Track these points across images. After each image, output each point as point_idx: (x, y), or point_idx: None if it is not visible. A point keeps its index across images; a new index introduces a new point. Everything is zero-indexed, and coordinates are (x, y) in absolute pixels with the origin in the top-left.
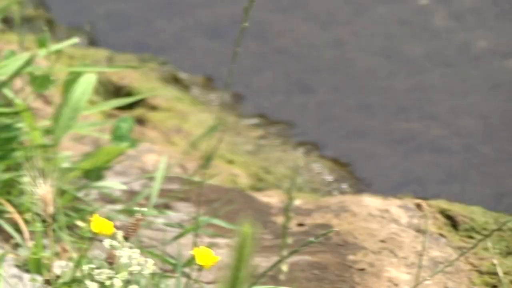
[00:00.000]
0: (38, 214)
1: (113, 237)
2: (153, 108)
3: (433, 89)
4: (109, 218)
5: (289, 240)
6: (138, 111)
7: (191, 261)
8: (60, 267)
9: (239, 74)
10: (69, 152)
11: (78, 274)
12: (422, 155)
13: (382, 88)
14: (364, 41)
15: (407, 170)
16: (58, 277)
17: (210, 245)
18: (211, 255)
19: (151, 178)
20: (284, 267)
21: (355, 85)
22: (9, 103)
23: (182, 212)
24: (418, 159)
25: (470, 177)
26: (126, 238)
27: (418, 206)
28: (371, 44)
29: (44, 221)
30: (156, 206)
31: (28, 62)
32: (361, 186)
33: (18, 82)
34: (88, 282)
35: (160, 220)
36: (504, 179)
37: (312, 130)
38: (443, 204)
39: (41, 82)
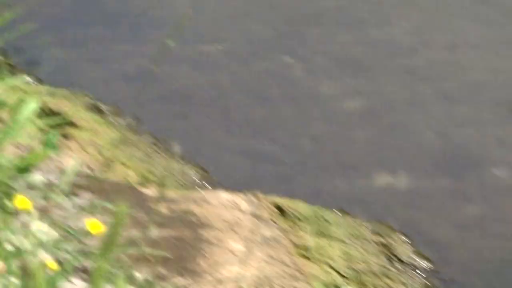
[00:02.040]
0: None
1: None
2: (77, 127)
3: None
4: (30, 200)
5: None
6: (66, 129)
7: (86, 232)
8: None
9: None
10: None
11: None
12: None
13: None
14: None
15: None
16: None
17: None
18: (99, 226)
19: (65, 174)
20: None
21: None
22: None
23: (85, 198)
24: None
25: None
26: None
27: (257, 198)
28: None
29: None
30: (66, 194)
31: None
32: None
33: None
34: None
35: (68, 203)
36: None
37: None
38: (276, 198)
39: None
